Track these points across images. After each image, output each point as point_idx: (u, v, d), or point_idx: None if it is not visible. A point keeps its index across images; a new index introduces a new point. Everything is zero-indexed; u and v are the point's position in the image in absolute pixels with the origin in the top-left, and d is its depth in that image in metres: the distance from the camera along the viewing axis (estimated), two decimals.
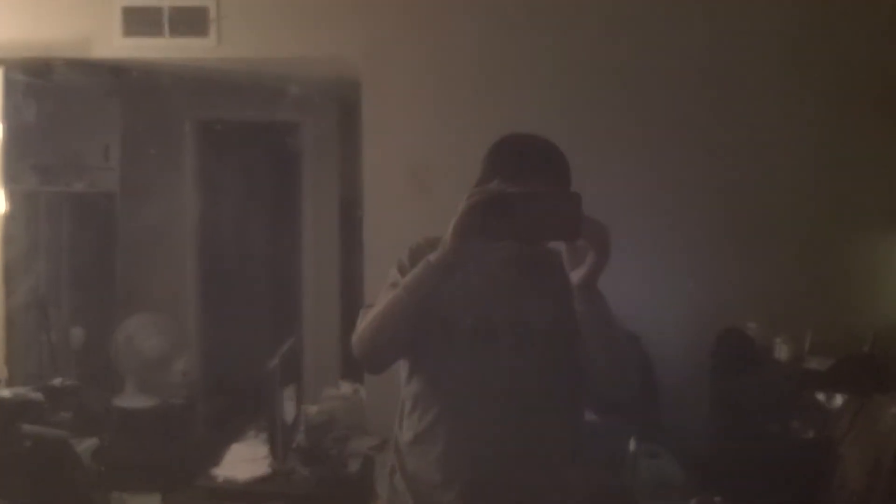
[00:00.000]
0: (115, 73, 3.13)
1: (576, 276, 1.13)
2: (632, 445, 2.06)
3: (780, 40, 2.72)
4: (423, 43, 2.85)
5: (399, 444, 1.31)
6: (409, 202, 2.74)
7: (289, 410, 2.33)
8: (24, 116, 2.95)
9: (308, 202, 3.93)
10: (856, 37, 2.72)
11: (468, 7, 2.85)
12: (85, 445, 2.54)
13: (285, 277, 4.09)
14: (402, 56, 2.85)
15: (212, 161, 3.92)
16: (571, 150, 1.28)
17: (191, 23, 2.88)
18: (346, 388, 2.83)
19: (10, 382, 2.74)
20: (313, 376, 3.61)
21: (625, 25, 2.82)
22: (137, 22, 2.88)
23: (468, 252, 1.12)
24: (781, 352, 2.58)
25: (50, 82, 3.10)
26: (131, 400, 3.31)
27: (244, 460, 2.35)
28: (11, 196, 2.91)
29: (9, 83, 2.83)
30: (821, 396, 2.17)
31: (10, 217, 2.91)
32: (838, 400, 2.15)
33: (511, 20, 2.84)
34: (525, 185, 1.12)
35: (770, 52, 2.73)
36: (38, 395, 2.54)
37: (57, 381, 2.72)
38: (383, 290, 1.25)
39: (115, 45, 2.92)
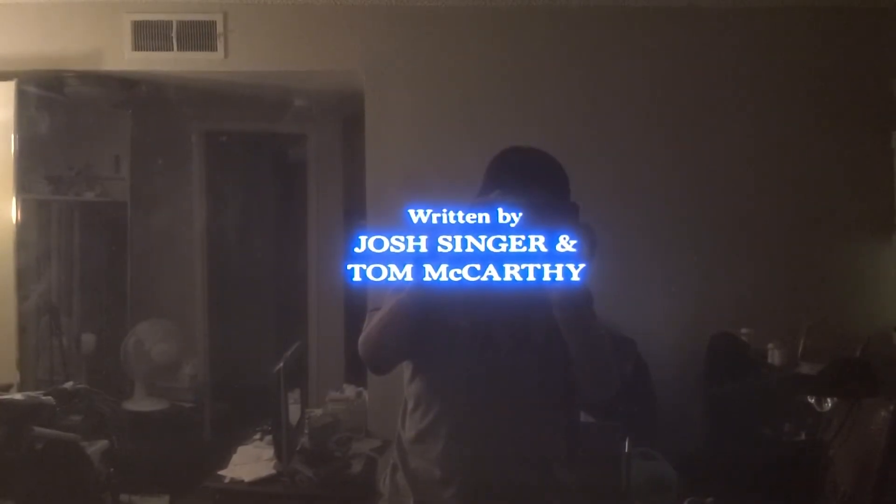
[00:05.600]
0: (125, 86, 3.18)
1: (556, 283, 1.15)
2: (626, 447, 2.09)
3: (768, 54, 2.79)
4: (423, 57, 2.91)
5: (401, 441, 1.37)
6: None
7: (293, 413, 2.38)
8: (37, 128, 3.00)
9: (313, 211, 4.00)
10: (842, 50, 2.79)
11: (466, 24, 2.92)
12: (95, 448, 2.57)
13: (291, 283, 4.15)
14: (402, 70, 2.91)
15: (219, 171, 3.99)
16: (566, 161, 1.33)
17: (199, 37, 2.94)
18: (349, 391, 2.88)
19: (22, 386, 2.79)
20: (318, 380, 3.67)
21: (618, 40, 2.88)
22: (147, 36, 2.94)
23: None
24: (774, 356, 2.62)
25: (61, 95, 3.16)
26: (140, 403, 3.37)
27: (250, 462, 2.40)
28: (24, 205, 2.98)
29: (22, 96, 2.89)
30: (812, 400, 2.20)
31: (23, 225, 2.97)
32: (829, 403, 2.19)
33: (508, 34, 2.91)
34: (525, 196, 1.16)
35: (759, 64, 2.81)
36: (49, 399, 2.57)
37: (68, 385, 2.76)
38: (388, 293, 1.29)
39: (126, 59, 2.98)
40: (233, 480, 2.29)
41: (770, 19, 2.76)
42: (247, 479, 2.29)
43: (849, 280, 2.75)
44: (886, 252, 2.72)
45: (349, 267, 1.16)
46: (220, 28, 2.88)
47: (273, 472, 2.31)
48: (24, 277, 2.93)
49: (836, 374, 2.03)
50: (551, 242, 1.14)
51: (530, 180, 1.24)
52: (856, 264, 2.75)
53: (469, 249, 1.14)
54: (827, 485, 2.13)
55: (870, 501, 1.99)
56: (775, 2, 2.74)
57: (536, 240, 1.13)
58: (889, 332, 2.58)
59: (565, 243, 1.13)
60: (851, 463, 2.02)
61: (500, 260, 1.13)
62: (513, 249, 1.13)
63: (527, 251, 1.13)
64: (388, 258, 1.15)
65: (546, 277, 1.15)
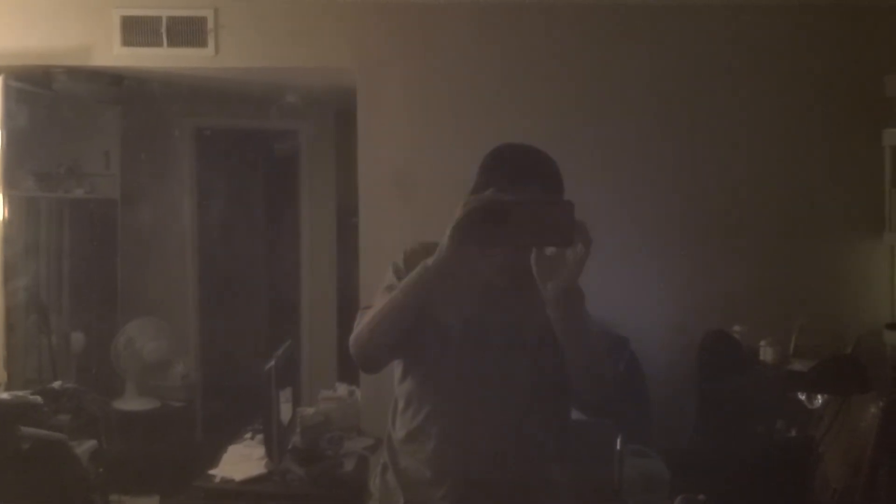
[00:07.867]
0: (115, 82, 3.15)
1: (551, 281, 1.15)
2: (619, 444, 2.10)
3: (761, 52, 2.80)
4: (416, 54, 2.90)
5: (392, 441, 1.36)
6: (403, 208, 2.79)
7: (285, 412, 2.36)
8: (24, 123, 2.96)
9: (305, 208, 3.99)
10: (834, 48, 2.81)
11: (458, 21, 2.91)
12: (84, 448, 2.54)
13: (283, 282, 4.14)
14: (395, 66, 2.90)
15: (210, 168, 3.96)
16: (560, 158, 1.31)
17: (189, 32, 2.91)
18: (341, 390, 2.87)
19: (9, 386, 2.76)
20: (310, 378, 3.66)
21: (613, 37, 2.89)
22: (136, 31, 2.91)
23: (464, 257, 1.15)
24: (766, 354, 2.64)
25: (49, 90, 3.12)
26: (131, 402, 3.34)
27: (241, 461, 2.38)
28: (11, 201, 2.94)
29: (8, 91, 2.85)
30: (803, 397, 2.22)
31: (10, 222, 2.94)
32: (820, 400, 2.20)
33: (501, 30, 2.91)
34: (519, 194, 1.15)
35: (752, 62, 2.82)
36: (37, 399, 2.53)
37: (56, 385, 2.73)
38: (379, 292, 1.29)
39: (115, 54, 2.94)
40: (224, 480, 2.27)
41: (761, 17, 2.76)
42: (238, 478, 2.28)
43: (840, 278, 2.77)
44: (877, 250, 2.73)
45: None
46: (210, 24, 2.85)
47: (264, 471, 2.30)
48: (11, 275, 2.90)
49: (828, 371, 2.05)
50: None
51: (524, 177, 1.23)
52: (847, 262, 2.77)
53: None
54: (818, 481, 2.15)
55: (860, 497, 2.01)
56: (767, 0, 2.75)
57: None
58: (880, 330, 2.59)
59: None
60: (842, 459, 2.04)
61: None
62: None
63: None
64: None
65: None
